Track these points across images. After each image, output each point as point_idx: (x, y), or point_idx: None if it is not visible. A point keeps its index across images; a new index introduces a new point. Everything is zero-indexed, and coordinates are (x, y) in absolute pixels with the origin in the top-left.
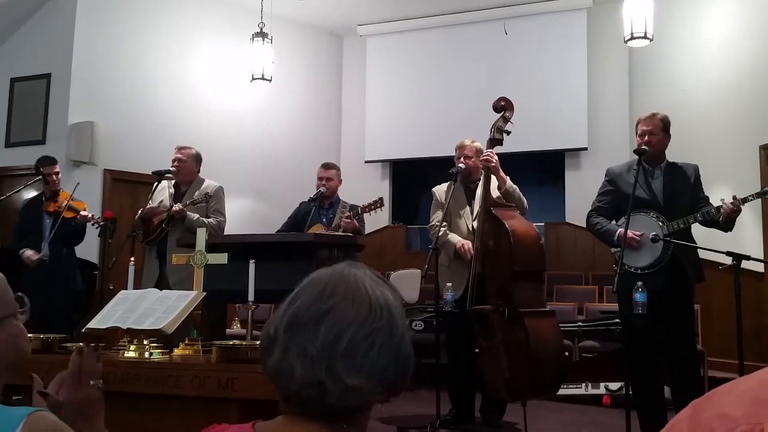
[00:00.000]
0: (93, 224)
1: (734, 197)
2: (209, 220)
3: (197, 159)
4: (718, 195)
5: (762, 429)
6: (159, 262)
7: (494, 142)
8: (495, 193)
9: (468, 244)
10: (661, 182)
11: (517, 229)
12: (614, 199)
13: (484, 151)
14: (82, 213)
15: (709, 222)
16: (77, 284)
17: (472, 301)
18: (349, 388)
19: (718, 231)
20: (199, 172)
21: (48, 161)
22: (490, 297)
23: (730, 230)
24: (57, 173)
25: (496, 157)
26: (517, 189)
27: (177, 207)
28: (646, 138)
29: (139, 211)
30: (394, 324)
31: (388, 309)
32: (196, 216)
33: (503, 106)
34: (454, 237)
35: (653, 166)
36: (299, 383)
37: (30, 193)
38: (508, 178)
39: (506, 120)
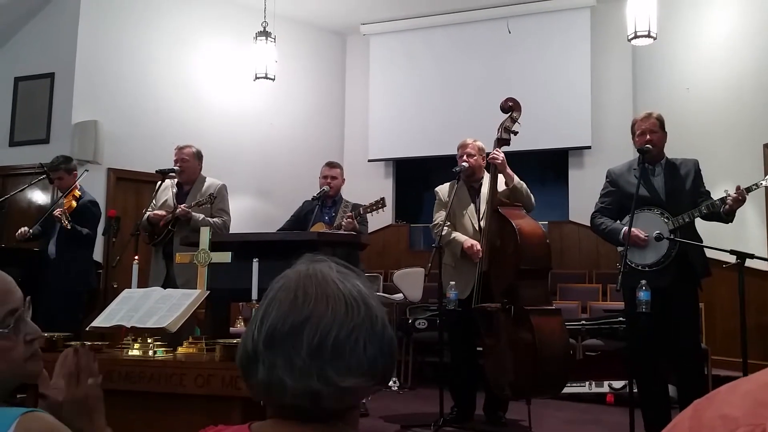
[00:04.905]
0: (62, 223)
1: (738, 188)
2: (214, 219)
3: (198, 157)
4: (722, 193)
5: (764, 430)
6: (166, 263)
7: (501, 141)
8: (501, 187)
9: (477, 244)
10: (662, 179)
11: (524, 228)
12: (617, 200)
13: (492, 150)
14: (55, 212)
15: (710, 215)
16: (82, 284)
17: (478, 299)
18: (343, 390)
19: (721, 229)
20: (201, 169)
21: (52, 163)
22: (496, 295)
23: (731, 221)
24: (60, 178)
25: (502, 155)
26: (525, 185)
27: (182, 209)
28: (648, 136)
29: (146, 213)
30: (372, 314)
31: (363, 300)
32: (201, 216)
33: (511, 107)
34: (460, 236)
35: (653, 164)
36: (292, 395)
37: (34, 192)
38: (515, 175)
39: (513, 120)
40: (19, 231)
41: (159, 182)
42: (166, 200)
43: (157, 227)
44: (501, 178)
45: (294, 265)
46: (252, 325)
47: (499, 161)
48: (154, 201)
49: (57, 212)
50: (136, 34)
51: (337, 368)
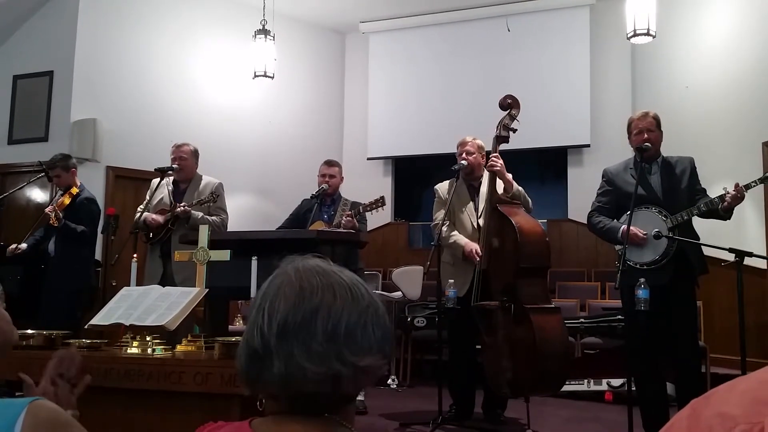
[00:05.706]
0: (50, 220)
1: (737, 185)
2: (213, 218)
3: (196, 155)
4: (721, 191)
5: (762, 428)
6: (163, 261)
7: (500, 139)
8: (499, 190)
9: (476, 247)
10: (658, 177)
11: (523, 226)
12: (614, 199)
13: (490, 155)
14: (47, 209)
15: (708, 212)
16: (81, 282)
17: (477, 297)
18: (361, 369)
19: (720, 228)
20: (197, 167)
21: (50, 161)
22: (495, 293)
23: (729, 218)
24: (58, 176)
25: (501, 162)
26: (523, 191)
27: (183, 208)
28: (645, 135)
29: (141, 212)
30: (373, 300)
31: (365, 288)
32: (201, 214)
33: (510, 104)
34: (461, 239)
35: (649, 163)
36: (314, 382)
37: (33, 190)
38: (514, 183)
39: (512, 118)
40: (9, 248)
41: (158, 180)
42: (161, 198)
43: (154, 226)
44: (499, 181)
45: (281, 265)
46: (254, 324)
47: (498, 168)
48: (149, 199)
49: (48, 209)
50: (135, 32)
51: (353, 350)
